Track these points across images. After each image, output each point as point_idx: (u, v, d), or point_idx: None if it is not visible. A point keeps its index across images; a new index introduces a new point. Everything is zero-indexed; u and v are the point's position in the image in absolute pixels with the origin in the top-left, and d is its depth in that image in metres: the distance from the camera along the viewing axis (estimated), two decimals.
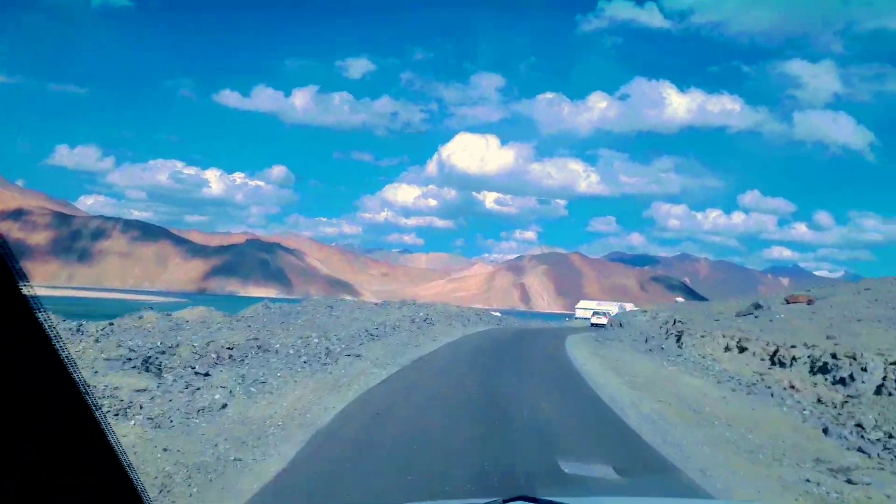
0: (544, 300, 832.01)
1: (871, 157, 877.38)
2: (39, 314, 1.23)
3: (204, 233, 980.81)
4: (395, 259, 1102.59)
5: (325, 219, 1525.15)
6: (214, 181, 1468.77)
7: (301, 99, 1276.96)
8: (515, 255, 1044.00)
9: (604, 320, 45.39)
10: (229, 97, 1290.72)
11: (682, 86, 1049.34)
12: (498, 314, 61.62)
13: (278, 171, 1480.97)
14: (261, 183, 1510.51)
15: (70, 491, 1.35)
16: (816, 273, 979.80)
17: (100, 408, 1.40)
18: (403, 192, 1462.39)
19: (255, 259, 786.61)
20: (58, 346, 1.26)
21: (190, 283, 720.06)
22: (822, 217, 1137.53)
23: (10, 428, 1.23)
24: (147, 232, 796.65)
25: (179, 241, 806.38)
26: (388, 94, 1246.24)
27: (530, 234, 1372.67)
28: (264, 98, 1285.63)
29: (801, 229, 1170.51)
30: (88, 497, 1.40)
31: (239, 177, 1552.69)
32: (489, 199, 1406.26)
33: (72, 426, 1.34)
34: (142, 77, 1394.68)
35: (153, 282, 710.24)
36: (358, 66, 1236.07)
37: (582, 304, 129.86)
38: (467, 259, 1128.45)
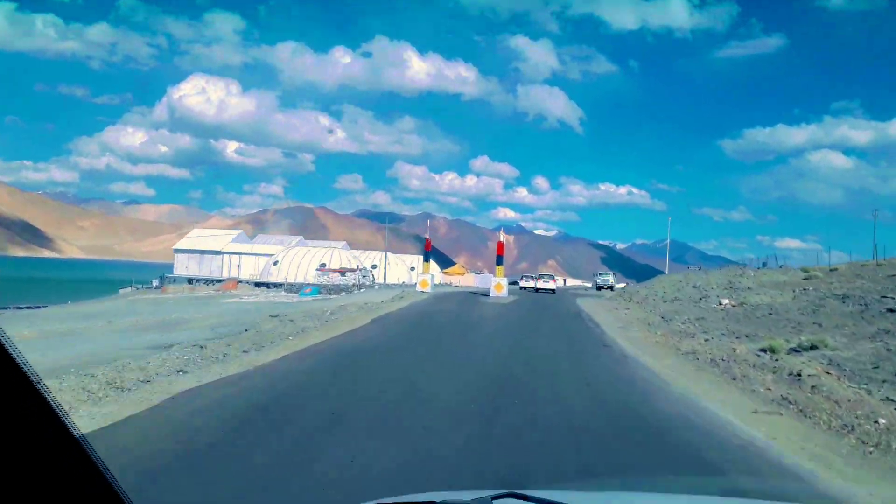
0: None
1: (580, 131, 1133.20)
2: None
3: None
4: (118, 210, 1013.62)
5: (29, 162, 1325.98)
6: None
7: None
8: (259, 209, 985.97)
9: (551, 284, 44.51)
10: None
11: (422, 50, 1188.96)
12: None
13: None
14: None
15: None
16: (535, 231, 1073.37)
17: (57, 403, 1.26)
18: (128, 136, 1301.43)
19: None
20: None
21: None
22: (540, 182, 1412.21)
23: None
24: None
25: None
26: (106, 22, 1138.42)
27: (276, 189, 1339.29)
28: None
29: (522, 192, 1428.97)
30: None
31: None
32: (230, 149, 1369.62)
33: (29, 425, 1.23)
34: None
35: None
36: None
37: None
38: (205, 212, 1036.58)
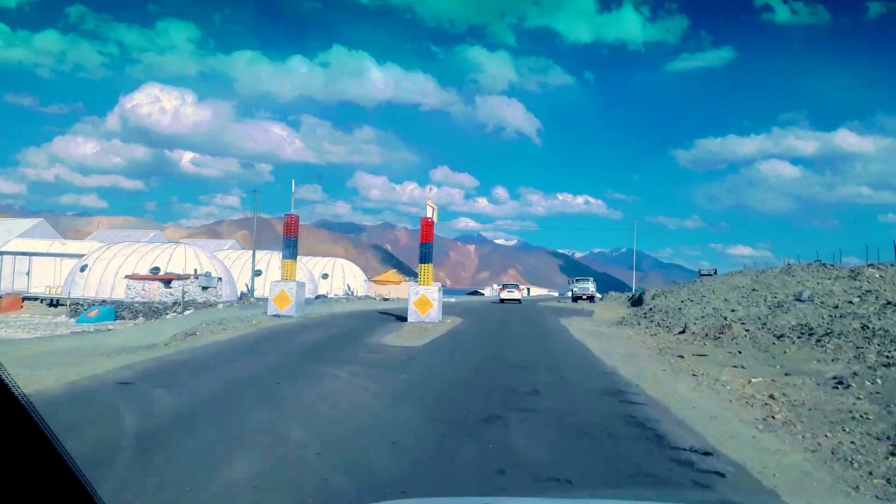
0: None
1: (538, 141, 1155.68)
2: None
3: None
4: (69, 223, 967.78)
5: None
6: None
7: None
8: (215, 221, 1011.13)
9: (517, 294, 42.80)
10: None
11: (381, 60, 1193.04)
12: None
13: None
14: None
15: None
16: (496, 241, 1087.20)
17: (31, 405, 1.22)
18: (79, 147, 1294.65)
19: None
20: None
21: None
22: (499, 192, 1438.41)
23: None
24: None
25: None
26: (55, 30, 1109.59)
27: (233, 200, 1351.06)
28: None
29: (482, 202, 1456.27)
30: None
31: None
32: (185, 159, 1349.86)
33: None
34: None
35: None
36: None
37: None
38: (160, 224, 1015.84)
